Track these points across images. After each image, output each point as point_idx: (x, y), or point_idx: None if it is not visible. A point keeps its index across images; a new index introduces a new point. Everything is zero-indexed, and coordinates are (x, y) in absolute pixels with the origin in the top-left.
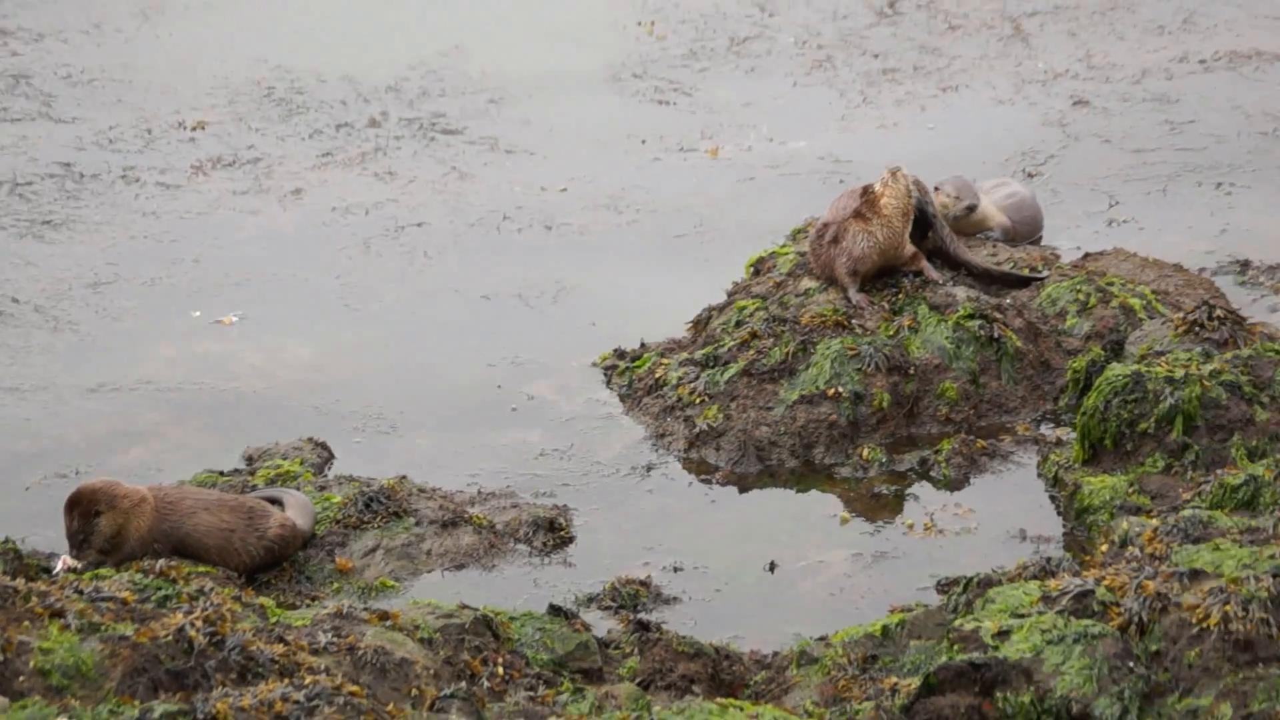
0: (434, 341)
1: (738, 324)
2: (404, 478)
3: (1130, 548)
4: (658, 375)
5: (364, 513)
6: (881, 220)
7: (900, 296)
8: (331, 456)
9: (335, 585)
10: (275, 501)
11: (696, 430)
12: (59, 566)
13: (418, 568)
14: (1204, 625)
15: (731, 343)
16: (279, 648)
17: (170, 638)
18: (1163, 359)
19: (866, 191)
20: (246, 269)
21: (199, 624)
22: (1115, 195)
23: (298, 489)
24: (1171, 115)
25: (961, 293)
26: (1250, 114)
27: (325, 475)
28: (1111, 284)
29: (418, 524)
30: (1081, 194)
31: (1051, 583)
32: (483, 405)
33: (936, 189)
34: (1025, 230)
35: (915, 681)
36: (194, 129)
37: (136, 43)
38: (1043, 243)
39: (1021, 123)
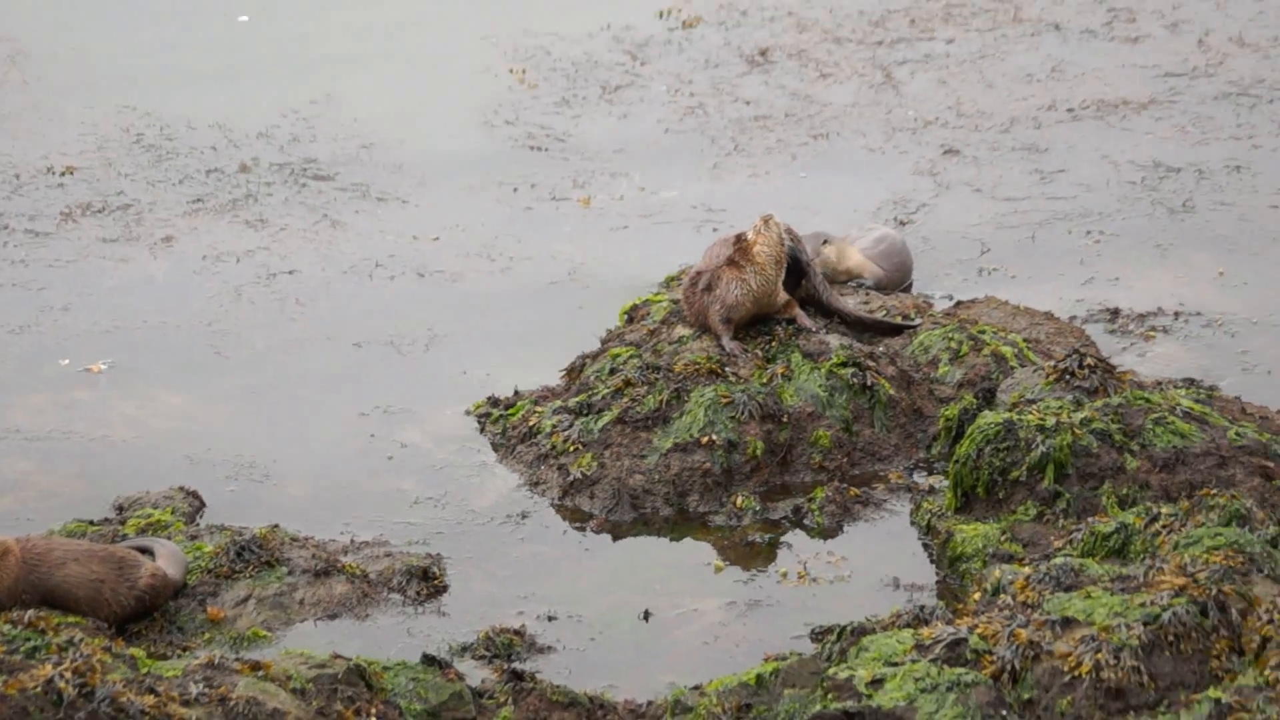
0: (306, 389)
1: (611, 371)
2: (276, 526)
3: (1003, 596)
4: (531, 423)
5: (236, 562)
6: (755, 268)
7: (774, 344)
8: (203, 505)
9: (207, 635)
10: (146, 551)
11: (570, 478)
12: None
13: (290, 617)
14: (1076, 673)
15: (605, 390)
16: (149, 699)
17: (39, 689)
18: (1034, 407)
19: (739, 239)
20: (116, 317)
21: (68, 675)
22: (986, 243)
23: (169, 538)
24: (1040, 164)
25: (835, 340)
26: (1118, 163)
27: (197, 524)
28: (983, 332)
29: (290, 573)
30: (952, 242)
31: (925, 631)
32: (356, 453)
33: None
34: (897, 276)
35: None
36: (63, 174)
37: (4, 88)
38: (914, 290)
39: (893, 171)
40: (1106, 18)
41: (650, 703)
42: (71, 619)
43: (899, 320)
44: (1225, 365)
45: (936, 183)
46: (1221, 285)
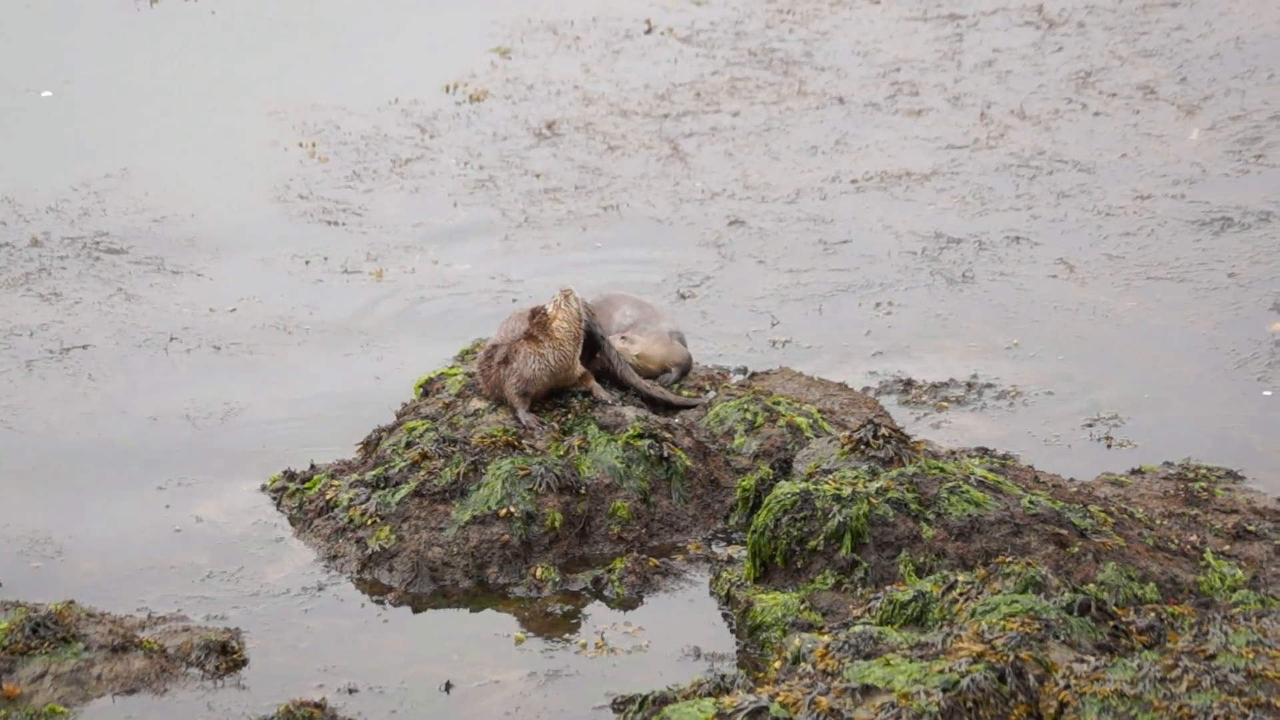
0: (100, 464)
1: (408, 445)
2: (72, 602)
3: (803, 664)
4: (328, 497)
5: (31, 638)
6: (553, 343)
7: (570, 416)
8: None
9: (3, 712)
10: None
11: (369, 551)
12: None
13: (88, 693)
14: None
15: (402, 464)
16: None
17: None
18: (830, 477)
19: (536, 313)
20: None
21: None
22: (775, 315)
23: None
24: (825, 235)
25: (630, 412)
26: (900, 233)
27: None
28: (778, 403)
29: (86, 649)
30: (741, 314)
31: (726, 700)
32: (151, 528)
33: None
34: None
35: None
36: None
37: None
38: (706, 361)
39: (680, 242)
40: (890, 91)
41: None
42: None
43: (692, 395)
44: (1017, 435)
45: (721, 254)
46: (1011, 356)
